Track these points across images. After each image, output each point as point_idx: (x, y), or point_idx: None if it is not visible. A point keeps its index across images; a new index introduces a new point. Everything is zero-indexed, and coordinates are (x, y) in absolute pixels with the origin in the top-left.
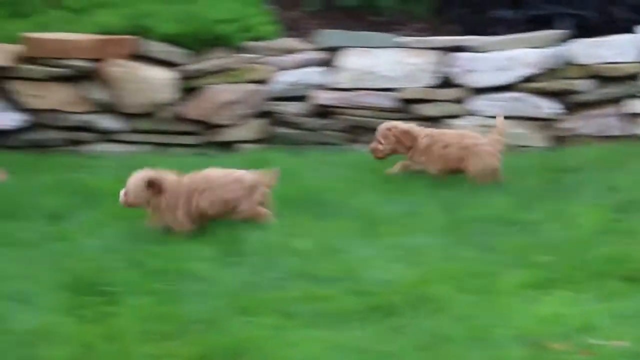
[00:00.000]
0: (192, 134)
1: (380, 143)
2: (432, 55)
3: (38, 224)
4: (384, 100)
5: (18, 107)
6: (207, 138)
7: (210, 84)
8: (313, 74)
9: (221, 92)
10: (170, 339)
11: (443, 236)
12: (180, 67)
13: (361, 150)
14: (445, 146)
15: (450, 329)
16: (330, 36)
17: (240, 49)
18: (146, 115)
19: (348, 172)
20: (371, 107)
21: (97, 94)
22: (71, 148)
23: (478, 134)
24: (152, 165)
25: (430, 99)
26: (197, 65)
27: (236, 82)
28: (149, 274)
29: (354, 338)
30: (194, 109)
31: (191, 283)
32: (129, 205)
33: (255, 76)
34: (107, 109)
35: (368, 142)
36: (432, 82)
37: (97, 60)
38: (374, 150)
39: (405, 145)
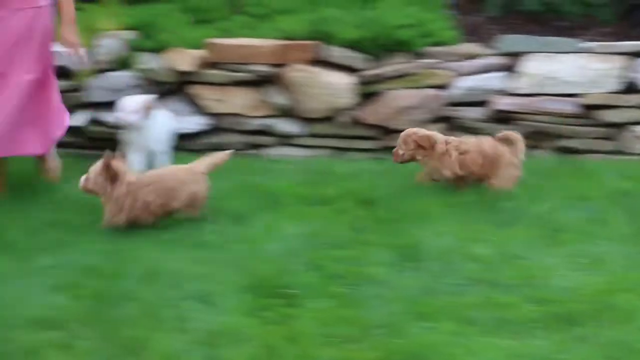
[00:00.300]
0: (370, 139)
1: (401, 148)
2: (617, 61)
3: (221, 226)
4: (565, 106)
5: (201, 111)
6: (384, 143)
7: (389, 89)
8: (493, 79)
9: (400, 97)
10: (351, 343)
11: (628, 244)
12: (360, 72)
13: (541, 156)
14: (464, 152)
15: (637, 340)
16: (512, 41)
17: (420, 54)
18: (325, 119)
19: (527, 178)
20: (552, 112)
21: (278, 98)
22: (251, 152)
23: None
24: (329, 168)
25: (614, 105)
26: (377, 70)
27: (415, 87)
28: (329, 277)
29: (536, 347)
30: (372, 113)
31: (370, 287)
32: (87, 191)
33: (435, 81)
34: (286, 113)
35: (548, 148)
36: (617, 87)
37: (278, 65)
38: (394, 154)
39: (424, 150)
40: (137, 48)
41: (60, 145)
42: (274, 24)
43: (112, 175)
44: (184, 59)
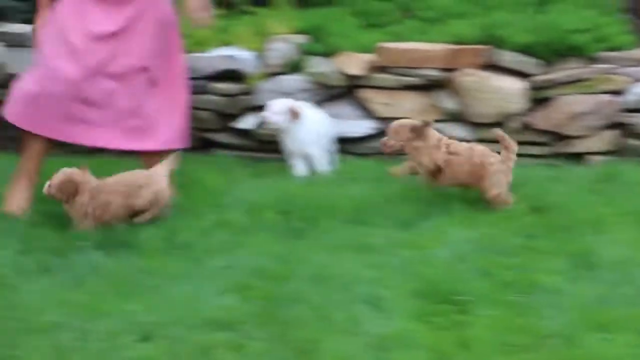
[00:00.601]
0: (541, 145)
1: (393, 138)
2: None
3: (388, 230)
4: None
5: (369, 115)
6: (555, 149)
7: (561, 94)
8: None
9: (573, 103)
10: (525, 352)
11: None
12: (532, 77)
13: None
14: (454, 153)
15: None
16: None
17: (594, 59)
18: (495, 124)
19: None
20: None
21: (447, 103)
22: None
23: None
24: None
25: None
26: (549, 75)
27: (589, 93)
28: (500, 285)
29: None
30: (543, 119)
31: (543, 295)
32: (51, 197)
33: (609, 87)
34: (456, 117)
35: None
36: None
37: (448, 69)
38: (383, 145)
39: (415, 139)
40: (307, 52)
41: (230, 147)
42: (445, 28)
43: (73, 189)
44: (354, 63)
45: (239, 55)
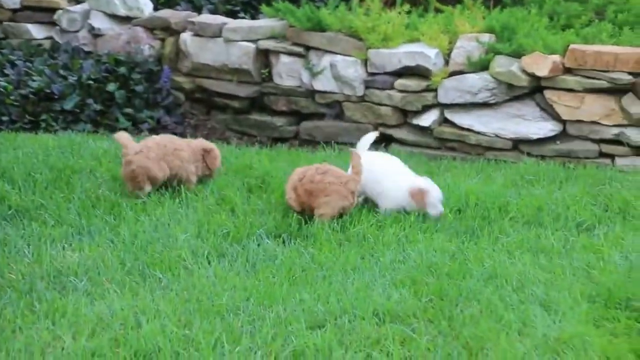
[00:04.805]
0: None
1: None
2: None
3: (565, 233)
4: None
5: (551, 116)
6: None
7: None
8: None
9: None
10: None
11: None
12: None
13: None
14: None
15: None
16: None
17: None
18: None
19: None
20: None
21: (634, 107)
22: (600, 160)
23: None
24: None
25: None
26: None
27: None
28: None
29: None
30: None
31: None
32: None
33: None
34: None
35: None
36: None
37: (638, 74)
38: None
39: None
40: (493, 51)
41: (407, 144)
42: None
43: None
44: (541, 64)
45: (424, 52)
